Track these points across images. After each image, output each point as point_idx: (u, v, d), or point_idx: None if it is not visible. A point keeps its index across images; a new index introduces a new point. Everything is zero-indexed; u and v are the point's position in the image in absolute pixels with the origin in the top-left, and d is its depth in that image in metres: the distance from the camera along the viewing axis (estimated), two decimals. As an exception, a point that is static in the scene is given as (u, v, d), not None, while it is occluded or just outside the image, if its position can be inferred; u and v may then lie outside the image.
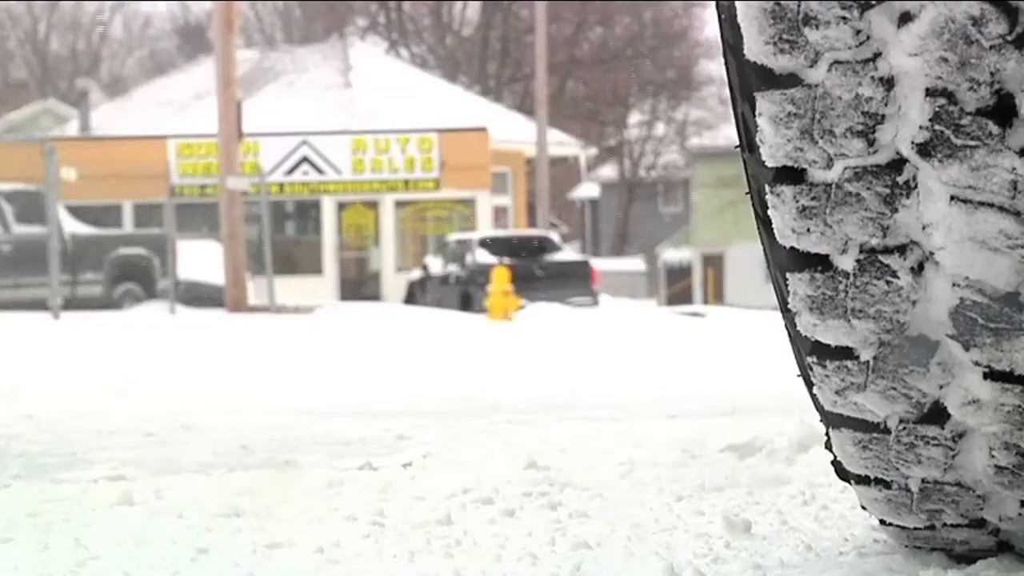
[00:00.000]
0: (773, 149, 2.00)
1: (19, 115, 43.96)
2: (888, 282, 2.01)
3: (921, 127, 1.91)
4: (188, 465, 4.41)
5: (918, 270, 2.00)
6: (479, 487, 3.47)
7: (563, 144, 38.99)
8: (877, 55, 1.91)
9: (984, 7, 1.83)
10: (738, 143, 2.18)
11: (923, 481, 2.19)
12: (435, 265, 29.29)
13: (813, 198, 2.00)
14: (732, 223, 37.58)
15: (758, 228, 2.18)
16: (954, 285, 1.99)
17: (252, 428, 5.62)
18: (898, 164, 1.96)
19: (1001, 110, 1.88)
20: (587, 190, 52.19)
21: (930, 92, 1.89)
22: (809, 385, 2.21)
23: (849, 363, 2.09)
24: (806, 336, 2.11)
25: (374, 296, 32.81)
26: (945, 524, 2.27)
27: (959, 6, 1.84)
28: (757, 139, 2.03)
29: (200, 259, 25.54)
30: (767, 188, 2.04)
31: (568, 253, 30.17)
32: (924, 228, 1.97)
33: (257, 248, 26.12)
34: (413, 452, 4.48)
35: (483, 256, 27.13)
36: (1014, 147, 1.89)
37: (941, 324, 2.02)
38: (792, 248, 2.05)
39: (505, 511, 3.12)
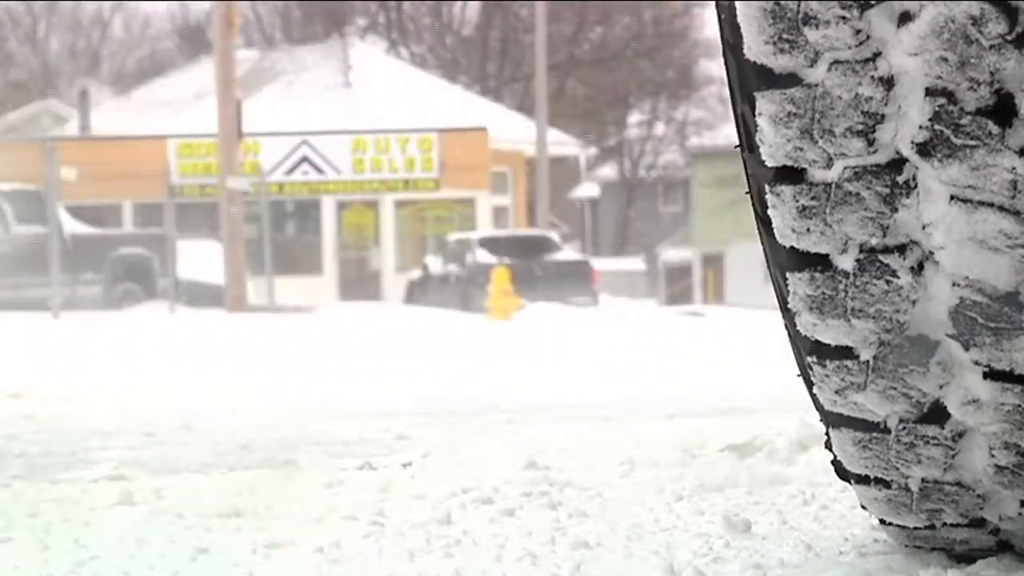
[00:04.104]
0: (773, 149, 2.00)
1: (19, 115, 43.94)
2: (888, 282, 2.01)
3: (921, 127, 1.91)
4: (188, 465, 4.41)
5: (918, 270, 2.00)
6: (479, 487, 3.47)
7: (563, 144, 39.00)
8: (877, 55, 1.91)
9: (984, 7, 1.83)
10: (738, 143, 2.18)
11: (923, 481, 2.19)
12: (435, 265, 29.31)
13: (813, 198, 2.00)
14: (732, 223, 37.57)
15: (758, 228, 2.18)
16: (954, 285, 1.99)
17: (252, 428, 5.62)
18: (898, 164, 1.96)
19: (1001, 110, 1.88)
20: (587, 190, 52.19)
21: (930, 92, 1.89)
22: (809, 385, 2.21)
23: (849, 363, 2.09)
24: (806, 336, 2.11)
25: (374, 296, 32.81)
26: (945, 524, 2.27)
27: (959, 6, 1.84)
28: (757, 139, 2.03)
29: (200, 259, 25.55)
30: (767, 188, 2.04)
31: (568, 253, 30.20)
32: (924, 228, 1.97)
33: (257, 248, 26.13)
34: (413, 452, 4.48)
35: (483, 256, 27.14)
36: (1014, 147, 1.89)
37: (941, 324, 2.02)
38: (792, 248, 2.05)
39: (505, 511, 3.12)
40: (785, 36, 1.93)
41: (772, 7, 1.93)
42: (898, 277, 2.01)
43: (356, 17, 50.43)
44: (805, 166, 2.00)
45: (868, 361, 2.08)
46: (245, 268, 23.09)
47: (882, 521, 2.37)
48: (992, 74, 1.86)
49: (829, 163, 1.98)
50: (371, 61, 38.95)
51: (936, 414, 2.11)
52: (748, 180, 2.19)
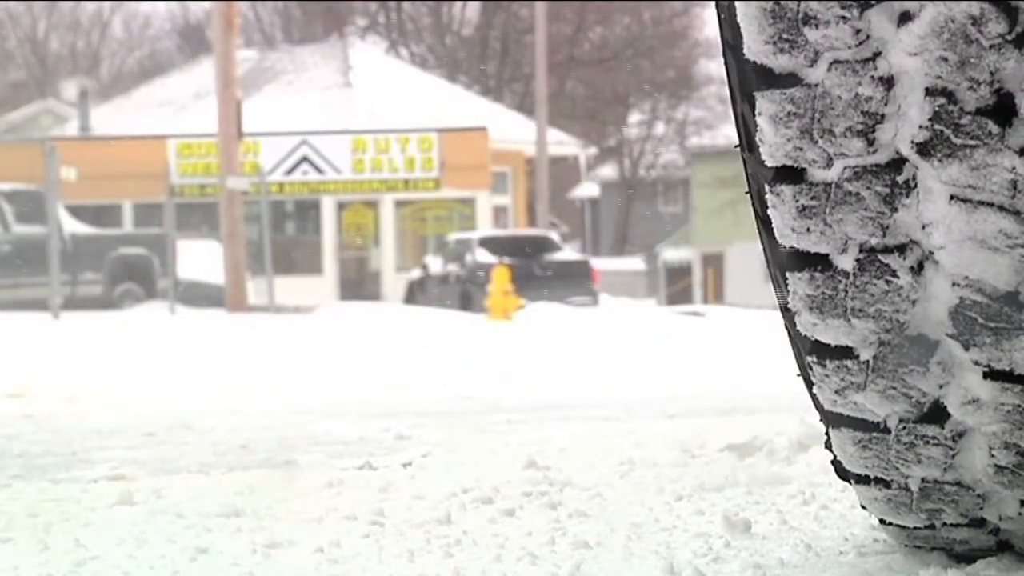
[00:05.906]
0: (773, 149, 2.00)
1: (19, 115, 43.96)
2: (888, 281, 2.01)
3: (921, 126, 1.91)
4: (188, 465, 4.41)
5: (918, 269, 2.00)
6: (479, 487, 3.47)
7: (563, 144, 39.00)
8: (877, 54, 1.91)
9: (984, 7, 1.83)
10: (738, 143, 2.18)
11: (923, 480, 2.19)
12: (435, 265, 29.31)
13: (813, 198, 2.00)
14: (732, 223, 37.57)
15: (758, 228, 2.18)
16: (954, 284, 1.99)
17: (252, 428, 5.62)
18: (898, 163, 1.96)
19: (1001, 109, 1.88)
20: (587, 190, 52.20)
21: (930, 91, 1.89)
22: (809, 385, 2.21)
23: (849, 362, 2.09)
24: (806, 335, 2.11)
25: (374, 296, 32.82)
26: (945, 523, 2.27)
27: (959, 6, 1.84)
28: (757, 139, 2.03)
29: (200, 259, 25.56)
30: (767, 188, 2.04)
31: (568, 253, 30.20)
32: (924, 227, 1.97)
33: (257, 248, 26.12)
34: (413, 452, 4.48)
35: (483, 255, 27.15)
36: (1014, 146, 1.89)
37: (941, 323, 2.02)
38: (792, 248, 2.05)
39: (505, 511, 3.12)
40: (785, 36, 1.93)
41: (772, 7, 1.93)
42: (898, 277, 2.01)
43: (356, 17, 50.44)
44: (805, 166, 2.00)
45: (868, 361, 2.08)
46: (245, 268, 23.08)
47: (882, 521, 2.37)
48: (992, 74, 1.86)
49: (829, 163, 1.98)
50: (371, 61, 38.95)
51: (936, 414, 2.11)
52: (748, 180, 2.19)
